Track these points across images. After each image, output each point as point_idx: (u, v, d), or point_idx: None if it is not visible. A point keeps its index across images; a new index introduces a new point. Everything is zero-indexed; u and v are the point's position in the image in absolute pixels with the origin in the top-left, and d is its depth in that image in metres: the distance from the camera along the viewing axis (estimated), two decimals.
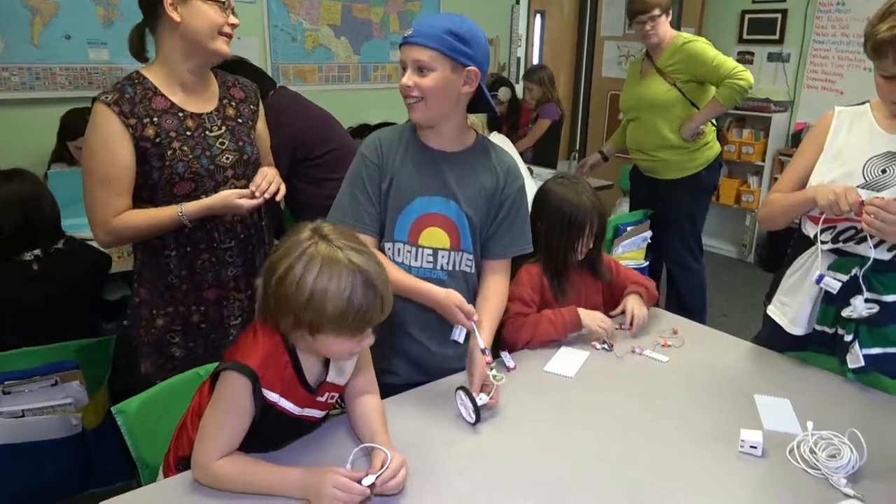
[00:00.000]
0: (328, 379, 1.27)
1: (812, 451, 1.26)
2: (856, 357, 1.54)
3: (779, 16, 4.87)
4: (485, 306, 1.56)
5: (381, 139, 1.57)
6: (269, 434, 1.25)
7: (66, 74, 3.42)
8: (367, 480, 1.11)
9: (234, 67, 2.68)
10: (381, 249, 1.57)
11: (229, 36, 1.61)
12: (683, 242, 3.27)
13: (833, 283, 1.54)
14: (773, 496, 1.18)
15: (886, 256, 1.52)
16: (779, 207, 1.69)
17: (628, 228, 3.36)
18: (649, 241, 3.40)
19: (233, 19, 1.60)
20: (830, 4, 4.60)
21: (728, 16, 5.17)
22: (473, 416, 1.37)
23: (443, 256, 1.57)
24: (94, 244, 2.47)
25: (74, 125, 3.05)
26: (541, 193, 1.86)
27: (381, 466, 1.14)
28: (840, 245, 1.57)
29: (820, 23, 4.67)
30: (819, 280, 1.56)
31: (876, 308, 1.51)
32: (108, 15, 3.47)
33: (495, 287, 1.61)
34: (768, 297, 1.78)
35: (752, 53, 5.08)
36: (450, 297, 1.47)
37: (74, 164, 3.09)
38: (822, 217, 1.55)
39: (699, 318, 2.58)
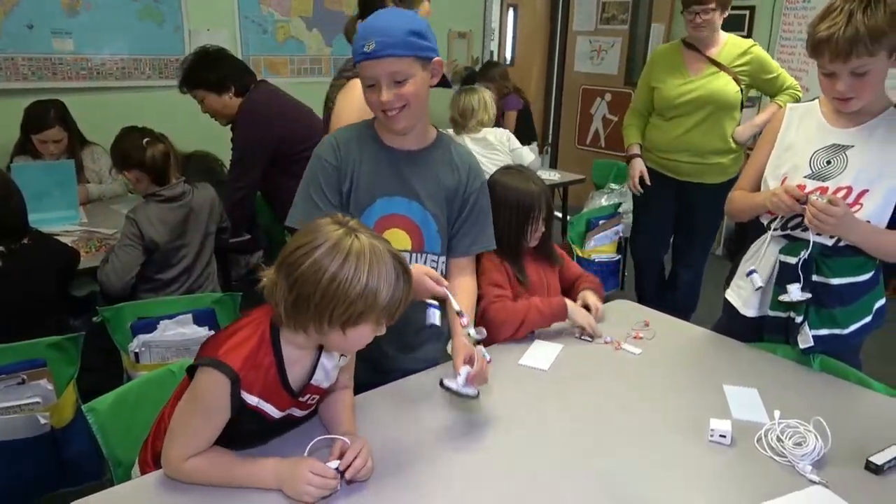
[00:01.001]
0: (313, 381, 1.26)
1: (779, 440, 1.29)
2: (805, 337, 1.62)
3: (747, 12, 4.95)
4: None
5: (339, 140, 1.52)
6: (246, 436, 1.24)
7: (29, 65, 3.34)
8: (332, 465, 1.13)
9: (217, 58, 2.65)
10: None
11: None
12: (704, 248, 3.19)
13: (757, 280, 1.64)
14: (741, 484, 1.21)
15: (829, 242, 1.60)
16: (740, 206, 1.80)
17: (601, 222, 3.39)
18: (621, 234, 3.43)
19: None
20: (796, 1, 4.69)
21: None
22: (472, 390, 1.35)
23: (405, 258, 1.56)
24: (62, 239, 2.44)
25: (39, 117, 2.98)
26: (489, 185, 1.86)
27: (340, 453, 1.16)
28: (790, 231, 1.65)
29: (786, 20, 4.76)
30: (749, 274, 1.66)
31: (809, 295, 1.59)
32: (73, 4, 3.39)
33: (463, 286, 1.60)
34: (727, 283, 1.85)
35: None
36: (417, 268, 1.43)
37: (39, 157, 3.03)
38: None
39: (686, 317, 2.57)
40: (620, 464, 1.26)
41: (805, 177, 1.62)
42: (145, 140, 2.32)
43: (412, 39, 1.37)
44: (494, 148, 3.49)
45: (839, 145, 1.60)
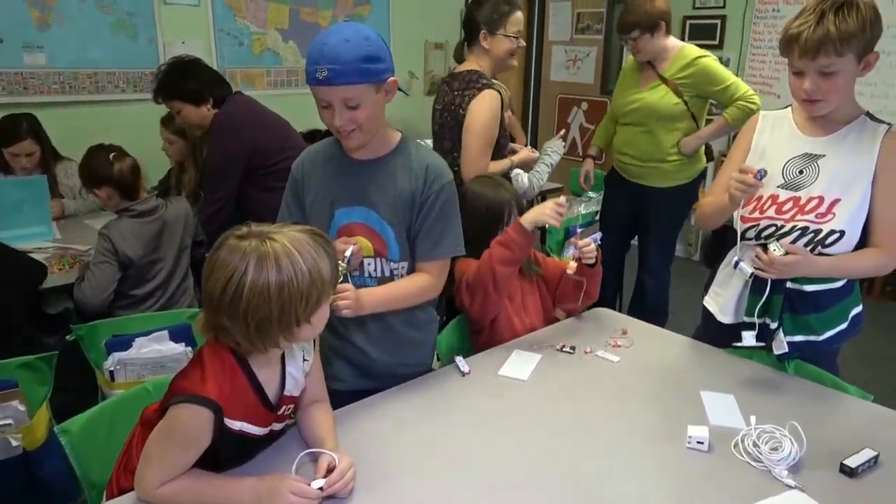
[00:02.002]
0: (286, 392, 1.26)
1: (755, 445, 1.30)
2: (780, 343, 1.64)
3: (718, 21, 5.03)
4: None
5: (307, 154, 1.62)
6: (233, 457, 1.23)
7: (0, 79, 3.28)
8: (316, 484, 1.12)
9: (193, 68, 2.62)
10: None
11: None
12: (659, 250, 3.24)
13: (746, 269, 1.62)
14: (719, 490, 1.21)
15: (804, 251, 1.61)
16: (707, 211, 1.80)
17: (579, 230, 3.40)
18: (600, 242, 3.45)
19: None
20: (766, 11, 4.78)
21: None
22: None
23: (369, 264, 1.57)
24: (34, 255, 2.39)
25: (10, 129, 2.94)
26: (461, 193, 1.89)
27: (327, 470, 1.15)
28: (763, 241, 1.65)
29: (757, 28, 4.86)
30: (736, 265, 1.65)
31: (762, 344, 1.63)
32: (44, 17, 3.35)
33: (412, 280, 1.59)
34: (706, 290, 1.86)
35: None
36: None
37: (9, 173, 2.98)
38: (743, 214, 1.65)
39: (659, 324, 2.59)
40: (599, 472, 1.26)
41: (778, 186, 1.64)
42: (112, 155, 2.31)
43: (365, 66, 1.37)
44: None
45: (811, 154, 1.62)
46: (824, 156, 1.60)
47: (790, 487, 1.21)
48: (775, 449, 1.28)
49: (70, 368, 2.07)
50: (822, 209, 1.57)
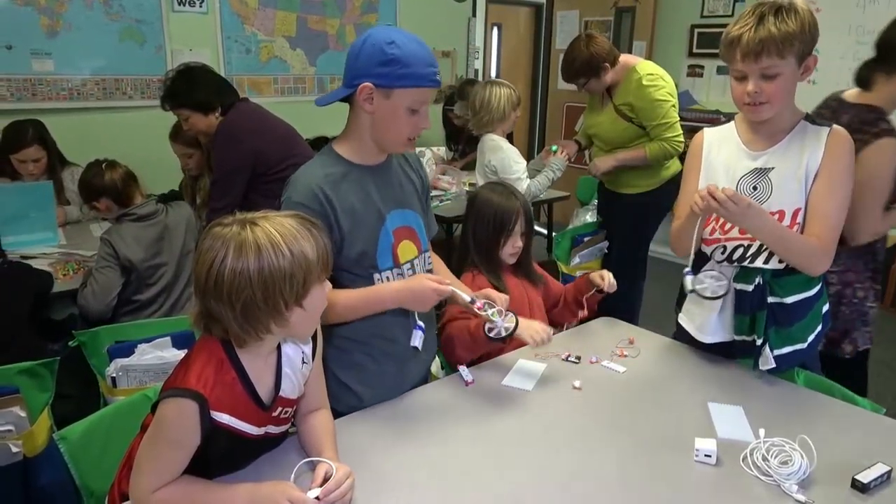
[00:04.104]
0: (282, 393, 1.24)
1: (764, 458, 1.28)
2: (766, 359, 1.62)
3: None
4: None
5: (318, 183, 1.42)
6: (226, 458, 1.21)
7: (8, 86, 3.31)
8: (312, 494, 1.10)
9: (201, 76, 2.63)
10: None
11: None
12: (628, 256, 3.22)
13: (687, 283, 1.62)
14: None
15: (780, 266, 1.60)
16: (676, 234, 1.72)
17: (585, 239, 3.38)
18: (605, 251, 3.43)
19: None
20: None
21: (678, 30, 5.30)
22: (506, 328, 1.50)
23: (417, 264, 1.58)
24: (39, 261, 2.40)
25: (17, 136, 2.95)
26: (470, 198, 1.98)
27: (324, 479, 1.13)
28: (737, 264, 1.64)
29: None
30: (686, 274, 1.63)
31: (690, 287, 1.62)
32: (53, 25, 3.37)
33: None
34: (678, 304, 1.83)
35: (702, 67, 5.22)
36: (417, 277, 1.48)
37: (17, 178, 2.99)
38: (705, 236, 1.66)
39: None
40: (604, 486, 1.24)
41: None
42: (103, 165, 2.36)
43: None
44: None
45: (761, 169, 1.59)
46: (773, 168, 1.58)
47: (800, 503, 1.18)
48: (785, 463, 1.26)
49: (73, 375, 2.06)
50: (787, 222, 1.56)
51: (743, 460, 1.29)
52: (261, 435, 1.23)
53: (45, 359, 1.82)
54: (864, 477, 1.22)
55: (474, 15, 5.31)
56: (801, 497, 1.19)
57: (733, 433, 1.40)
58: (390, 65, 1.37)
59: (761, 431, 1.34)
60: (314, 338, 1.31)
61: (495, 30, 6.46)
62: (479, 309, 1.50)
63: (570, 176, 3.61)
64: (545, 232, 4.55)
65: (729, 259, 1.64)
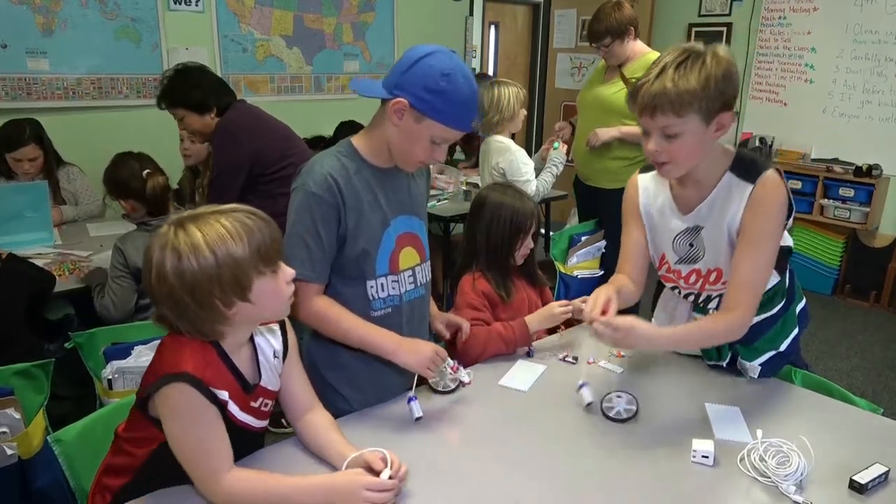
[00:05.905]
0: (262, 383, 1.24)
1: (762, 459, 1.27)
2: (752, 369, 1.62)
3: (724, 29, 5.02)
4: None
5: (332, 174, 1.40)
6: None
7: (3, 85, 3.29)
8: (385, 475, 1.13)
9: (198, 76, 2.61)
10: (341, 293, 1.49)
11: None
12: (615, 254, 3.23)
13: (586, 395, 1.48)
14: None
15: None
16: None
17: (583, 238, 3.38)
18: (603, 250, 3.43)
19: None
20: (772, 18, 4.77)
21: (675, 28, 5.30)
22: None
23: (419, 272, 1.57)
24: (35, 261, 2.38)
25: (13, 135, 2.93)
26: (478, 200, 1.92)
27: (384, 465, 1.16)
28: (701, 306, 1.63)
29: (763, 36, 4.83)
30: (580, 388, 1.50)
31: (592, 401, 1.47)
32: (48, 23, 3.35)
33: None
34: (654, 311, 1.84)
35: None
36: (424, 352, 1.44)
37: (13, 178, 2.97)
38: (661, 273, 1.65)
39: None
40: (600, 487, 1.23)
41: (676, 263, 1.59)
42: (146, 172, 2.34)
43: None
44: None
45: (692, 228, 1.53)
46: (703, 227, 1.51)
47: None
48: (783, 464, 1.25)
49: (70, 377, 2.05)
50: (726, 278, 1.52)
51: (740, 461, 1.29)
52: (243, 423, 1.21)
53: (42, 360, 1.82)
54: (862, 478, 1.22)
55: (471, 13, 5.30)
56: (798, 498, 1.18)
57: (731, 434, 1.39)
58: (434, 94, 1.34)
59: (759, 432, 1.34)
60: (285, 333, 1.30)
61: (493, 28, 6.45)
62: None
63: (569, 176, 3.60)
64: (542, 231, 4.55)
65: (685, 298, 1.65)
